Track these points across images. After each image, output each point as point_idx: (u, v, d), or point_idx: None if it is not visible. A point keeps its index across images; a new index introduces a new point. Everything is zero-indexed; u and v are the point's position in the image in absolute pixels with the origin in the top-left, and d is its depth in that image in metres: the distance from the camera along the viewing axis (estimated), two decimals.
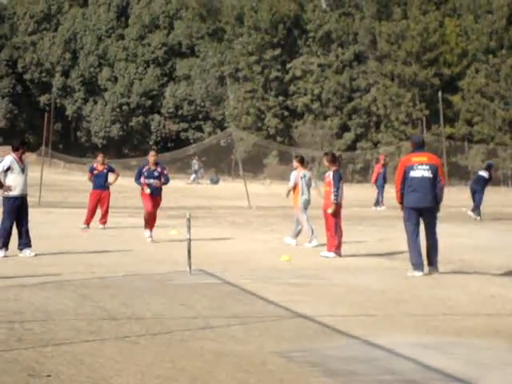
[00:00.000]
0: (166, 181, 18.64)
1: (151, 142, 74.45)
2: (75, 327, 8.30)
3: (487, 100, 62.64)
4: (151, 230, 18.40)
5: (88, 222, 21.82)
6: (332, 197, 15.51)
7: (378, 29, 66.28)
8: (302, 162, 17.88)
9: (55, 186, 43.30)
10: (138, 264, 13.89)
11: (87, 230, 21.23)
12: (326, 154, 16.69)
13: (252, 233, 19.34)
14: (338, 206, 15.61)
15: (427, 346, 7.70)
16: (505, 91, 62.28)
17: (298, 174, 17.65)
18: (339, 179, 15.69)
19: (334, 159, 16.02)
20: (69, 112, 75.38)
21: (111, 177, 23.03)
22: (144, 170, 18.64)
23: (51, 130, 51.28)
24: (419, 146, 13.32)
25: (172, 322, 8.67)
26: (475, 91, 62.88)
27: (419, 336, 8.16)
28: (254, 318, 8.99)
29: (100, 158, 22.87)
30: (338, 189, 15.53)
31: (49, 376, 6.35)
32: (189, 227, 12.95)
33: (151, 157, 18.57)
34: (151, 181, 18.37)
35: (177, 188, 50.21)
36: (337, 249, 15.48)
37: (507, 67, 61.74)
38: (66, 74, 75.70)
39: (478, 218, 26.33)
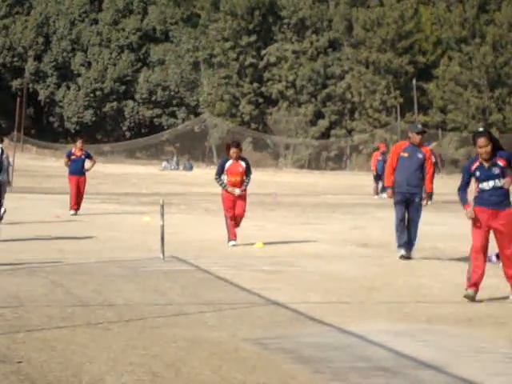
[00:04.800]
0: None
1: (124, 128, 74.10)
2: (47, 313, 8.24)
3: (461, 88, 62.94)
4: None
5: (75, 207, 21.74)
6: (244, 184, 15.09)
7: (354, 15, 66.32)
8: None
9: (27, 172, 42.98)
10: (110, 250, 13.82)
11: (70, 215, 21.11)
12: (236, 144, 15.47)
13: None
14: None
15: (400, 333, 7.72)
16: (478, 79, 62.58)
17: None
18: None
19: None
20: (41, 97, 74.75)
21: (88, 163, 22.91)
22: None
23: (23, 115, 50.93)
24: None
25: (145, 309, 8.63)
26: (449, 79, 63.18)
27: (392, 323, 8.18)
28: (227, 305, 8.97)
29: (79, 143, 22.78)
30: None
31: (20, 362, 6.30)
32: (162, 214, 12.90)
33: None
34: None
35: (150, 174, 49.99)
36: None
37: (480, 56, 62.03)
38: (38, 58, 75.00)
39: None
